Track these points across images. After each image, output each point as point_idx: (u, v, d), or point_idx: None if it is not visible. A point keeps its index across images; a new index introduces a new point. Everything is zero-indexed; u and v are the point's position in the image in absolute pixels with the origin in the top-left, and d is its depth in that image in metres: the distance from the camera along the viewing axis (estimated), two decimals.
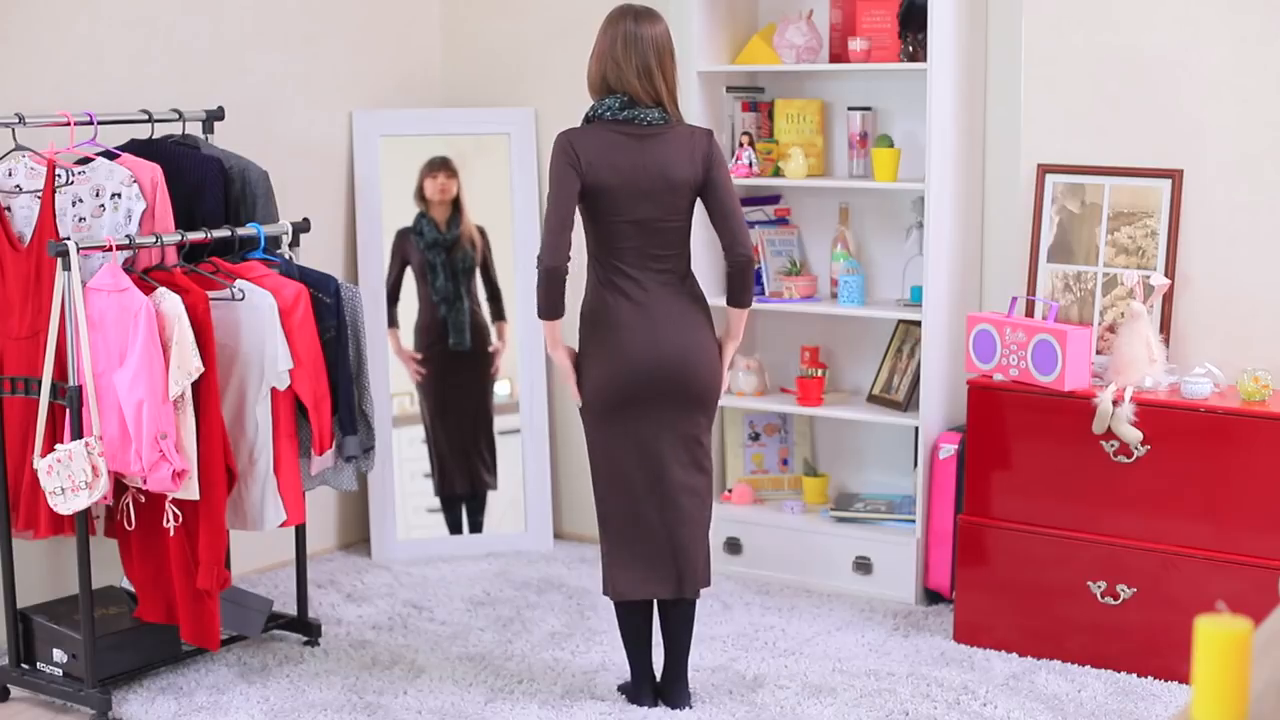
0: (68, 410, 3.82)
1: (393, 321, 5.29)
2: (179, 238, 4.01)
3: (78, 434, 3.79)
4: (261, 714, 3.95)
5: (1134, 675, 4.13)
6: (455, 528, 5.37)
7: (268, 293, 4.03)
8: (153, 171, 4.07)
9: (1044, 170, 4.54)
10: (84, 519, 3.91)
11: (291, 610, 4.58)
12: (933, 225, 4.58)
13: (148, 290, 3.87)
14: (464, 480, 5.39)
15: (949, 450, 4.60)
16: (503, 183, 5.36)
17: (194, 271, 4.05)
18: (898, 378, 4.90)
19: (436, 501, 5.37)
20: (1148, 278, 4.27)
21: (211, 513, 3.91)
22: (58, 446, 3.77)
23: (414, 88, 5.52)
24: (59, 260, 3.78)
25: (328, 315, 4.19)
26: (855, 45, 4.73)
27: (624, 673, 4.17)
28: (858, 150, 4.86)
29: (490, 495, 5.41)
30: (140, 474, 3.77)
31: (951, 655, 4.31)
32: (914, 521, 4.77)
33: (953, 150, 4.62)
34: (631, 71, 3.74)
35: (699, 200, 3.82)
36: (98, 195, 4.04)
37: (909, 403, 4.84)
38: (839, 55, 4.85)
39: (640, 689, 3.97)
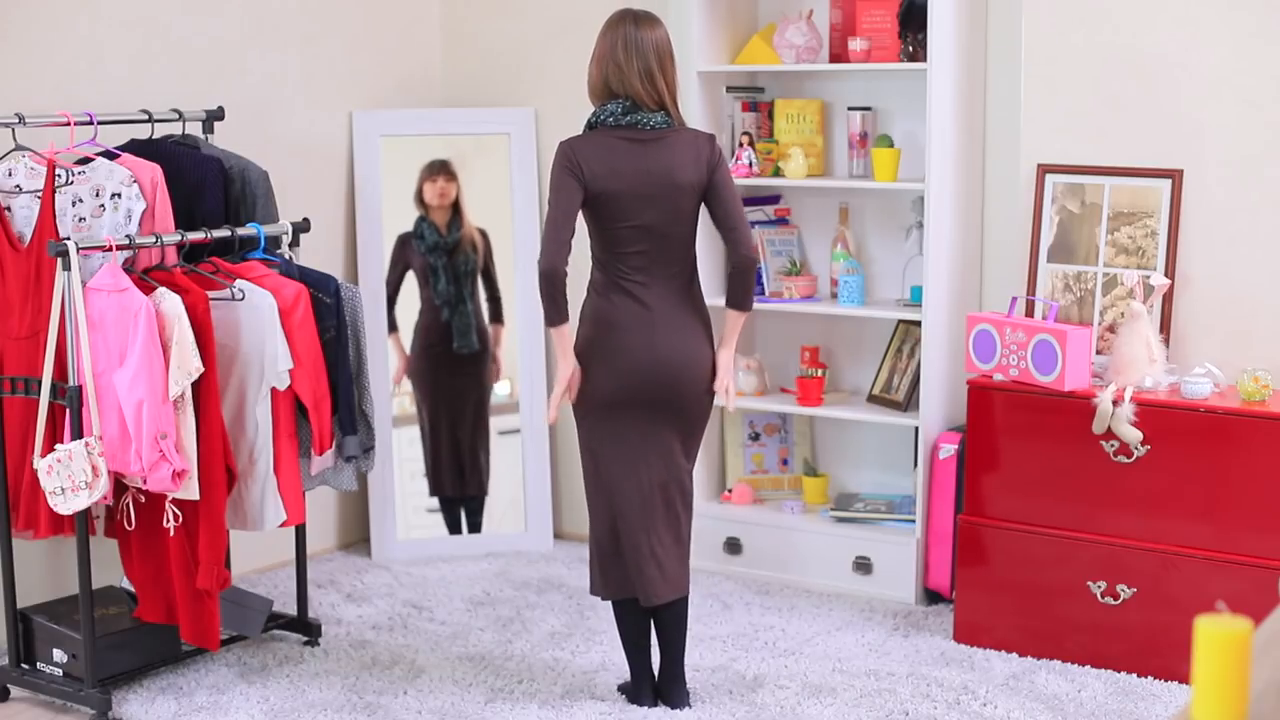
0: (68, 410, 3.82)
1: (392, 326, 5.29)
2: (179, 238, 4.01)
3: (78, 434, 3.79)
4: (261, 714, 3.95)
5: (1134, 675, 4.13)
6: (454, 528, 5.37)
7: (268, 293, 4.03)
8: (153, 171, 4.07)
9: (1044, 170, 4.54)
10: (84, 519, 3.91)
11: (291, 610, 4.58)
12: (933, 225, 4.58)
13: (148, 290, 3.87)
14: (462, 482, 5.39)
15: (949, 450, 4.60)
16: (503, 183, 5.35)
17: (194, 271, 4.05)
18: (898, 378, 4.90)
19: (436, 501, 5.37)
20: (1148, 278, 4.27)
21: (211, 513, 3.91)
22: (58, 446, 3.77)
23: (414, 88, 5.52)
24: (59, 260, 3.78)
25: (328, 315, 4.19)
26: (855, 45, 4.73)
27: (624, 673, 4.17)
28: (858, 150, 4.86)
29: (486, 498, 5.40)
30: (140, 474, 3.77)
31: (951, 655, 4.31)
32: (914, 521, 4.77)
33: (953, 150, 4.62)
34: (634, 75, 3.73)
35: (704, 204, 3.82)
36: (98, 195, 4.04)
37: (909, 403, 4.84)
38: (839, 55, 4.85)
39: (640, 689, 3.97)
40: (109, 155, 4.12)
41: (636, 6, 3.89)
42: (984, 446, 4.36)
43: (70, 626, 4.02)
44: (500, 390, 5.41)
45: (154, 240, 3.94)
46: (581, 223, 3.83)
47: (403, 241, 5.29)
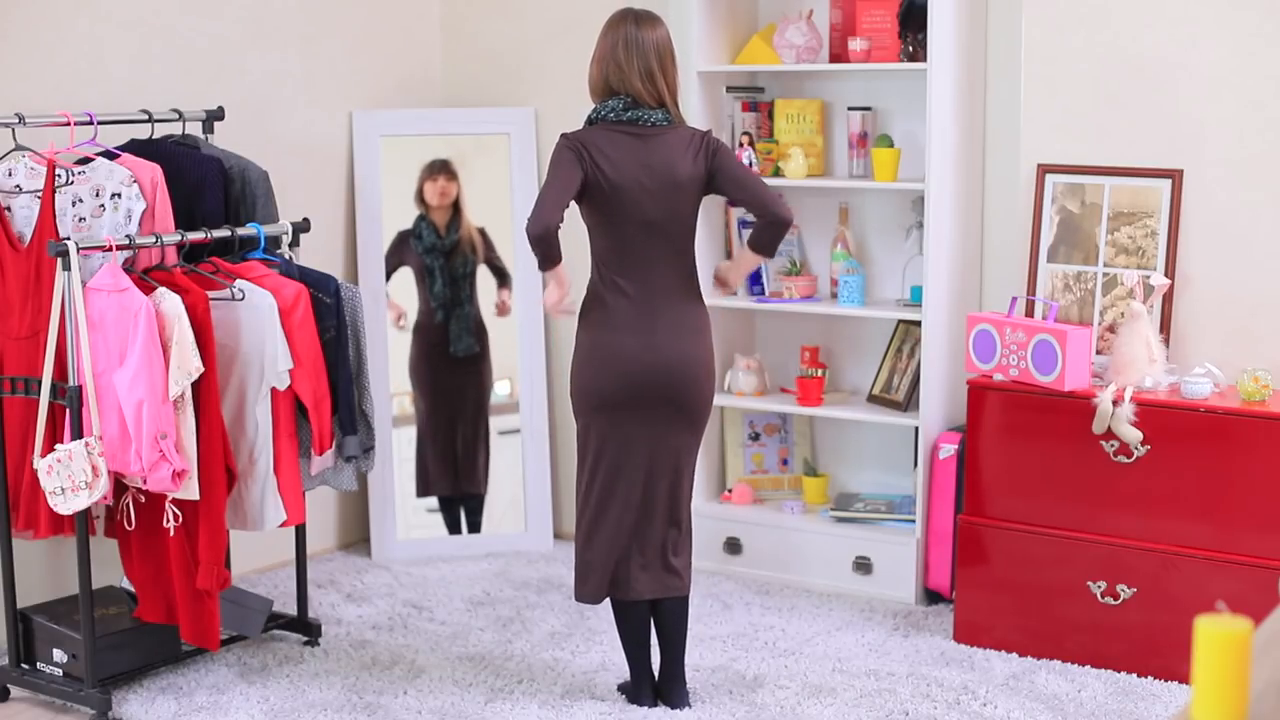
0: (68, 410, 3.82)
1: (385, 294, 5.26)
2: (179, 238, 4.01)
3: (78, 434, 3.79)
4: (261, 714, 3.95)
5: (1134, 675, 4.13)
6: (454, 528, 5.37)
7: (268, 293, 4.03)
8: (153, 171, 4.07)
9: (1044, 170, 4.54)
10: (84, 519, 3.91)
11: (291, 610, 4.58)
12: (933, 225, 4.58)
13: (148, 290, 3.87)
14: (461, 483, 5.39)
15: (949, 450, 4.60)
16: (503, 183, 5.36)
17: (194, 271, 4.05)
18: (898, 378, 4.90)
19: (435, 501, 5.37)
20: (1148, 278, 4.27)
21: (211, 513, 3.91)
22: (58, 446, 3.77)
23: (414, 88, 5.52)
24: (59, 260, 3.78)
25: (328, 315, 4.19)
26: (855, 45, 4.73)
27: (624, 673, 4.17)
28: (858, 150, 4.87)
29: (485, 498, 5.40)
30: (140, 474, 3.77)
31: (951, 655, 4.31)
32: (914, 521, 4.77)
33: (953, 150, 4.62)
34: (634, 74, 3.74)
35: (718, 193, 3.82)
36: (98, 195, 4.04)
37: (909, 403, 4.84)
38: (839, 55, 4.85)
39: (640, 689, 3.97)
40: (109, 155, 4.12)
41: (637, 6, 3.89)
42: (984, 446, 4.36)
43: (70, 626, 4.02)
44: (500, 390, 5.41)
45: (154, 240, 3.94)
46: (581, 222, 3.83)
47: (401, 239, 5.29)
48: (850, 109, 4.89)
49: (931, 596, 4.76)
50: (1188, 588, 4.06)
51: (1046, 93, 4.54)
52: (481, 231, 5.34)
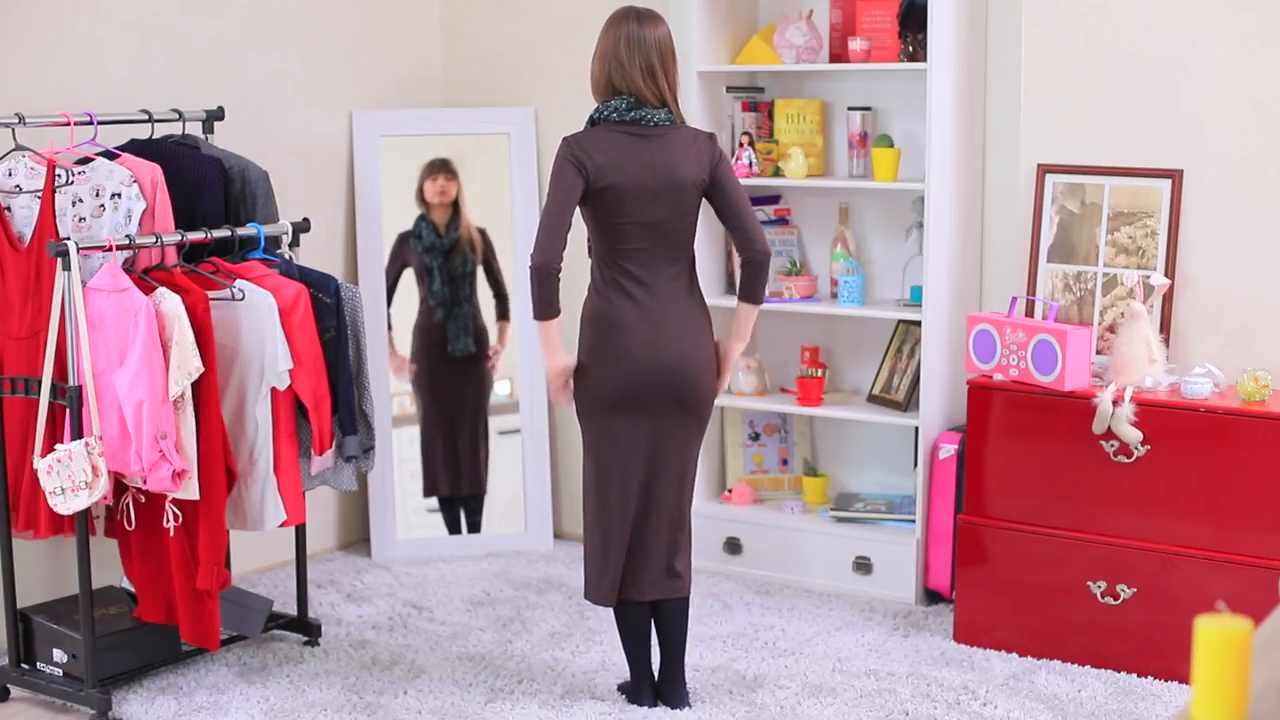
0: (68, 410, 3.82)
1: (387, 326, 5.28)
2: (179, 238, 4.01)
3: (78, 434, 3.79)
4: (261, 714, 3.95)
5: (1134, 675, 4.13)
6: (454, 528, 5.37)
7: (268, 293, 4.03)
8: (153, 171, 4.07)
9: (1044, 170, 4.54)
10: (84, 519, 3.91)
11: (291, 610, 4.58)
12: (933, 225, 4.58)
13: (148, 290, 3.87)
14: (460, 483, 5.39)
15: (949, 450, 4.60)
16: (503, 183, 5.36)
17: (194, 271, 4.05)
18: (898, 378, 4.90)
19: (435, 501, 5.37)
20: (1148, 278, 4.27)
21: (211, 513, 3.91)
22: (58, 446, 3.77)
23: (414, 88, 5.52)
24: (59, 260, 3.78)
25: (328, 315, 4.19)
26: (855, 45, 4.73)
27: (624, 673, 4.17)
28: (858, 150, 4.87)
29: (485, 497, 5.40)
30: (140, 474, 3.77)
31: (951, 655, 4.31)
32: (914, 521, 4.77)
33: (953, 150, 4.62)
34: (636, 71, 3.74)
35: (708, 202, 3.83)
36: (98, 195, 4.04)
37: (909, 403, 4.84)
38: (839, 55, 4.85)
39: (640, 689, 3.97)
40: (109, 155, 4.12)
41: (638, 5, 3.89)
42: (984, 446, 4.36)
43: (70, 626, 4.02)
44: (500, 390, 5.41)
45: (154, 240, 3.94)
46: (580, 223, 3.83)
47: (402, 239, 5.30)
48: (850, 109, 4.89)
49: (931, 596, 4.76)
50: (1188, 588, 4.06)
51: (1046, 93, 4.54)
52: (481, 232, 5.34)
